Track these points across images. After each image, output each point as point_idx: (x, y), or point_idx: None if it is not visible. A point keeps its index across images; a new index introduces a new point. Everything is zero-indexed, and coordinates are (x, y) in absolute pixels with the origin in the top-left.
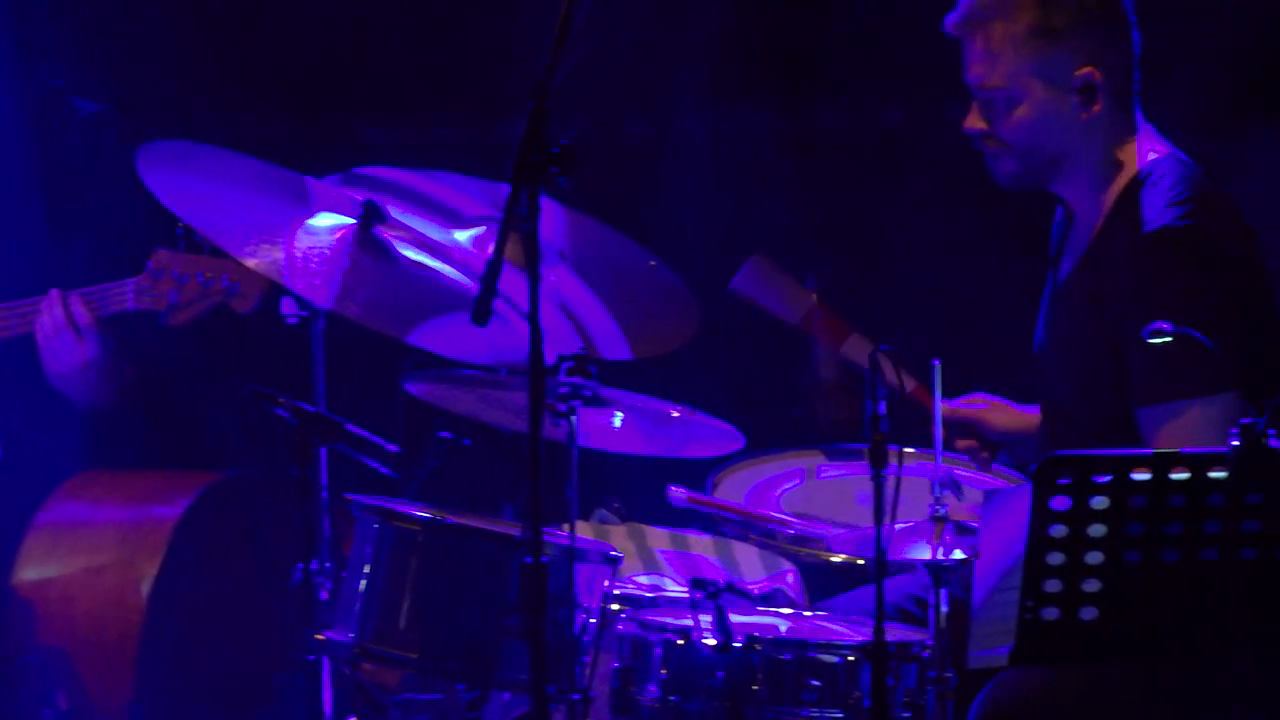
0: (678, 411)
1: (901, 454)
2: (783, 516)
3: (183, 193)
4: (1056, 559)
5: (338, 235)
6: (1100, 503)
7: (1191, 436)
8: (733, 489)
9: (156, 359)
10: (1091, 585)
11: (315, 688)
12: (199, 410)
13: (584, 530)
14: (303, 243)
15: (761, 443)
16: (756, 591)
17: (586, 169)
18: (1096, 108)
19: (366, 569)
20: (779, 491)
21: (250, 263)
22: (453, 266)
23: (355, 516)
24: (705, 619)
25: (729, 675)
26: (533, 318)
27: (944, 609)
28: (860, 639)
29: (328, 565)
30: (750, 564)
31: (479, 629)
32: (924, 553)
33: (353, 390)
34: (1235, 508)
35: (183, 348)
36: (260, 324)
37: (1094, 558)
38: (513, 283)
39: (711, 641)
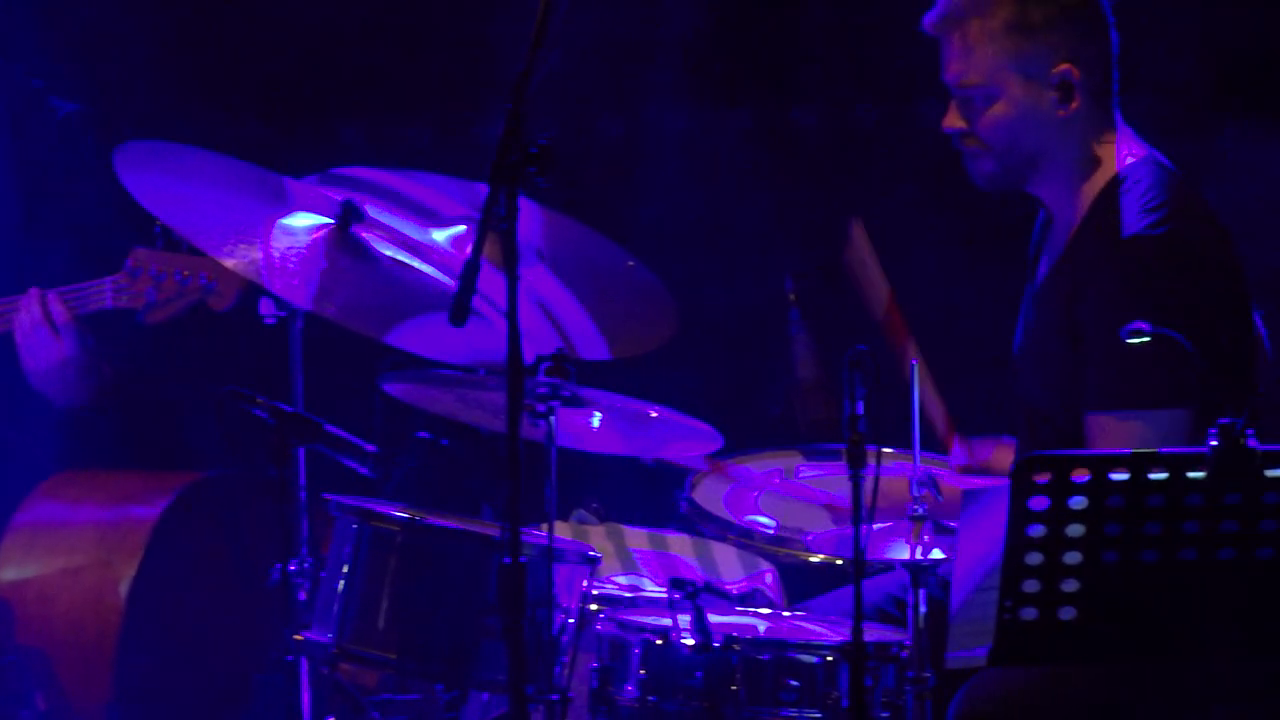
0: (656, 412)
1: (880, 454)
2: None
3: (160, 193)
4: (1035, 559)
5: (315, 235)
6: (1079, 503)
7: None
8: (710, 490)
9: (135, 358)
10: (1070, 585)
11: (294, 688)
12: (177, 410)
13: (562, 530)
14: (280, 243)
15: (740, 443)
16: (735, 592)
17: (564, 169)
18: (1074, 105)
19: (345, 569)
20: (757, 492)
21: (229, 263)
22: (431, 266)
23: (334, 517)
24: (684, 619)
25: (708, 675)
26: (511, 318)
27: (923, 609)
28: (839, 639)
29: (306, 565)
30: (729, 564)
31: (458, 629)
32: (903, 553)
33: (331, 390)
34: (1214, 508)
35: (161, 347)
36: (238, 324)
37: (1072, 558)
38: (491, 283)
39: (690, 642)
